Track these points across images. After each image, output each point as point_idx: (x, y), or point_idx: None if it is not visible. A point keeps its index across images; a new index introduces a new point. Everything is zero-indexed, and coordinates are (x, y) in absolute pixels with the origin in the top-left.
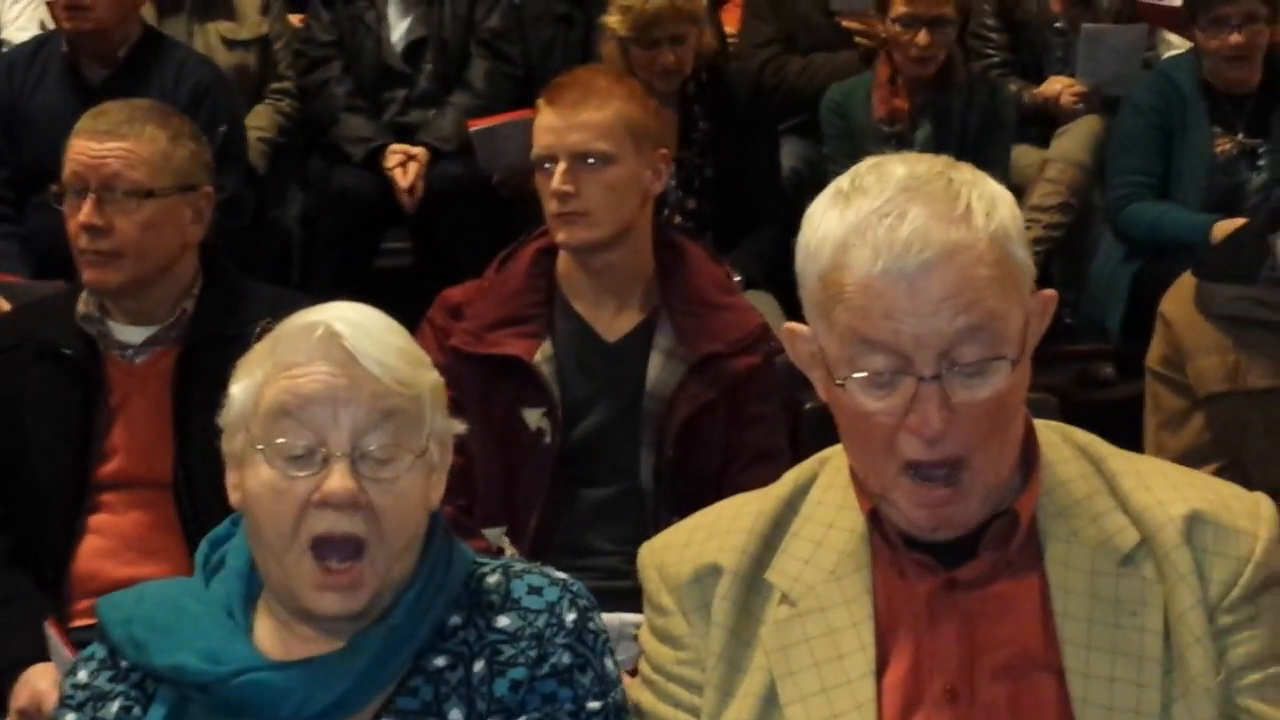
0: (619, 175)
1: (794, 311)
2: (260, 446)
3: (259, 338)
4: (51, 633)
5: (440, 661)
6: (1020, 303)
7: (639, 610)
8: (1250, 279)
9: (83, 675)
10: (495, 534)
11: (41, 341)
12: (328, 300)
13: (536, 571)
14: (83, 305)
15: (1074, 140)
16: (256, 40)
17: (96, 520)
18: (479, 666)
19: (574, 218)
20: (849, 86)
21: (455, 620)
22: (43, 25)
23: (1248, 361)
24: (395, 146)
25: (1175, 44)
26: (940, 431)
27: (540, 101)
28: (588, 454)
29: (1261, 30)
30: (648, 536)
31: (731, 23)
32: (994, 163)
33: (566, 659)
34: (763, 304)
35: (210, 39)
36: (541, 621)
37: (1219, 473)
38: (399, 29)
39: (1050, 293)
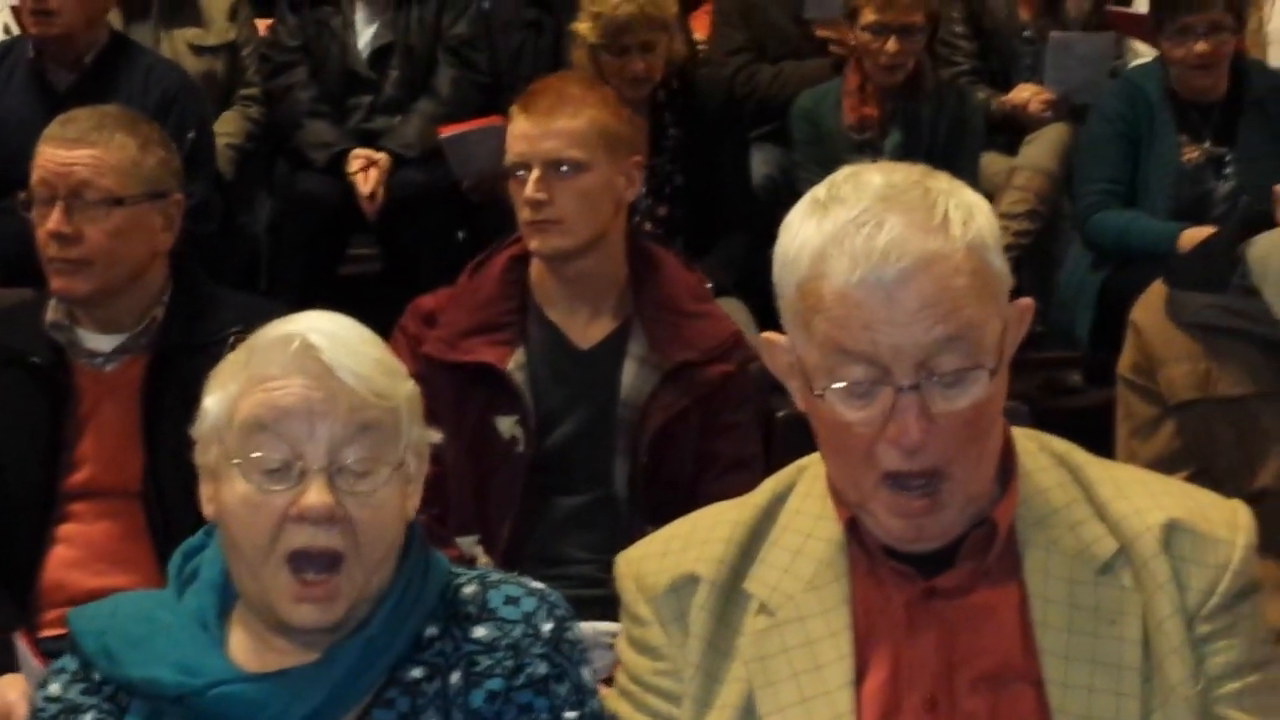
0: (592, 183)
1: (764, 318)
2: (236, 460)
3: (232, 348)
4: (21, 644)
5: (417, 673)
6: (998, 312)
7: (613, 619)
8: (1221, 288)
9: (55, 688)
10: (468, 542)
11: (9, 350)
12: (296, 306)
13: (513, 582)
14: (51, 313)
15: (1042, 148)
16: (224, 46)
17: (65, 530)
18: (455, 678)
19: (547, 225)
20: (819, 93)
21: (432, 631)
22: (8, 30)
23: (1218, 370)
24: (357, 151)
25: (1142, 52)
26: (919, 442)
27: (513, 109)
28: (561, 462)
29: (1227, 39)
30: (621, 545)
31: (701, 29)
32: (963, 170)
33: (543, 669)
34: (733, 311)
35: (177, 45)
36: (518, 632)
37: (1190, 480)
38: (365, 35)
39: (1027, 301)
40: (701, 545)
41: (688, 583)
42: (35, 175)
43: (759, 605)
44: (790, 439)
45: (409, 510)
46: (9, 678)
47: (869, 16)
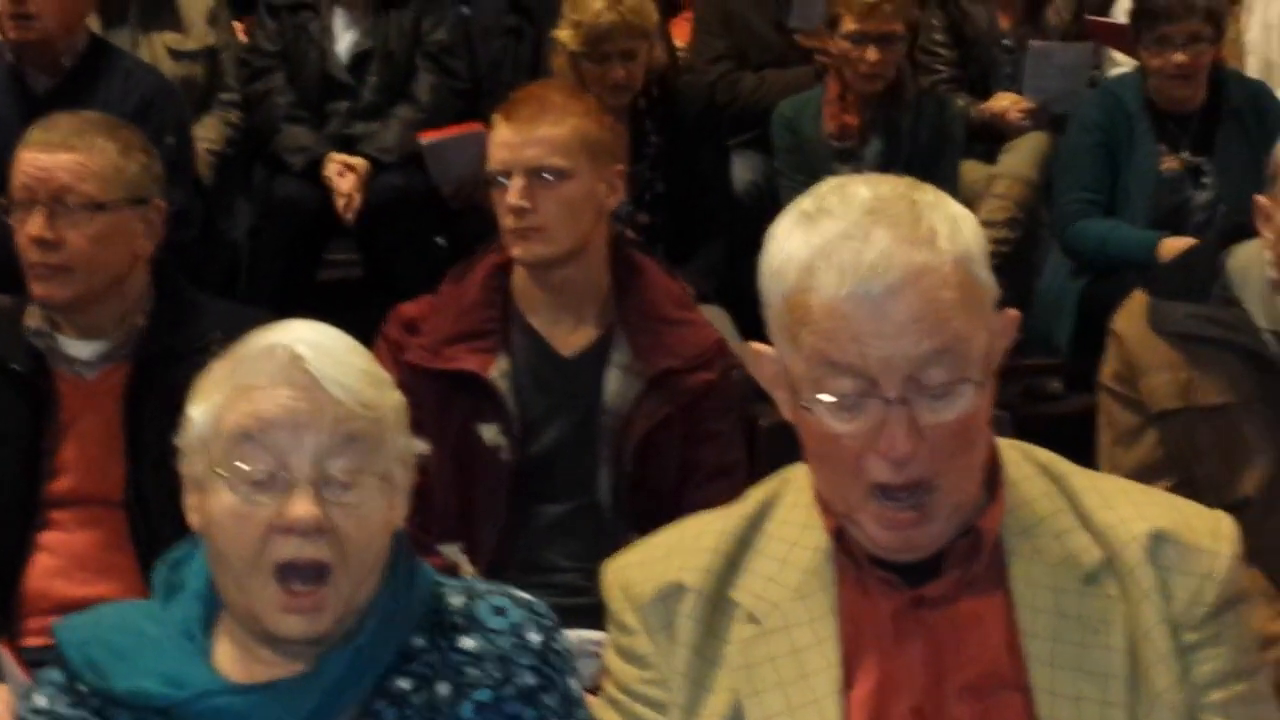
0: (575, 191)
1: (745, 325)
2: (221, 471)
3: (214, 355)
4: (3, 653)
5: (404, 684)
6: (984, 324)
7: (597, 627)
8: (1202, 297)
9: (41, 701)
10: (452, 550)
11: None
12: (275, 311)
13: (500, 592)
14: (31, 319)
15: (1021, 156)
16: (203, 51)
17: (47, 538)
18: (443, 688)
19: (530, 233)
20: (799, 102)
21: (419, 642)
22: None
23: (1200, 379)
24: (334, 156)
25: (1121, 62)
26: (908, 454)
27: (496, 117)
28: (545, 470)
29: (1205, 50)
30: (605, 553)
31: (681, 36)
32: (943, 178)
33: (531, 680)
34: (714, 318)
35: (156, 50)
36: (506, 643)
37: (1172, 489)
38: (344, 40)
39: (1013, 313)
40: (688, 554)
41: (674, 591)
42: (16, 180)
43: (746, 614)
44: (773, 447)
45: (395, 521)
46: None
47: (849, 25)
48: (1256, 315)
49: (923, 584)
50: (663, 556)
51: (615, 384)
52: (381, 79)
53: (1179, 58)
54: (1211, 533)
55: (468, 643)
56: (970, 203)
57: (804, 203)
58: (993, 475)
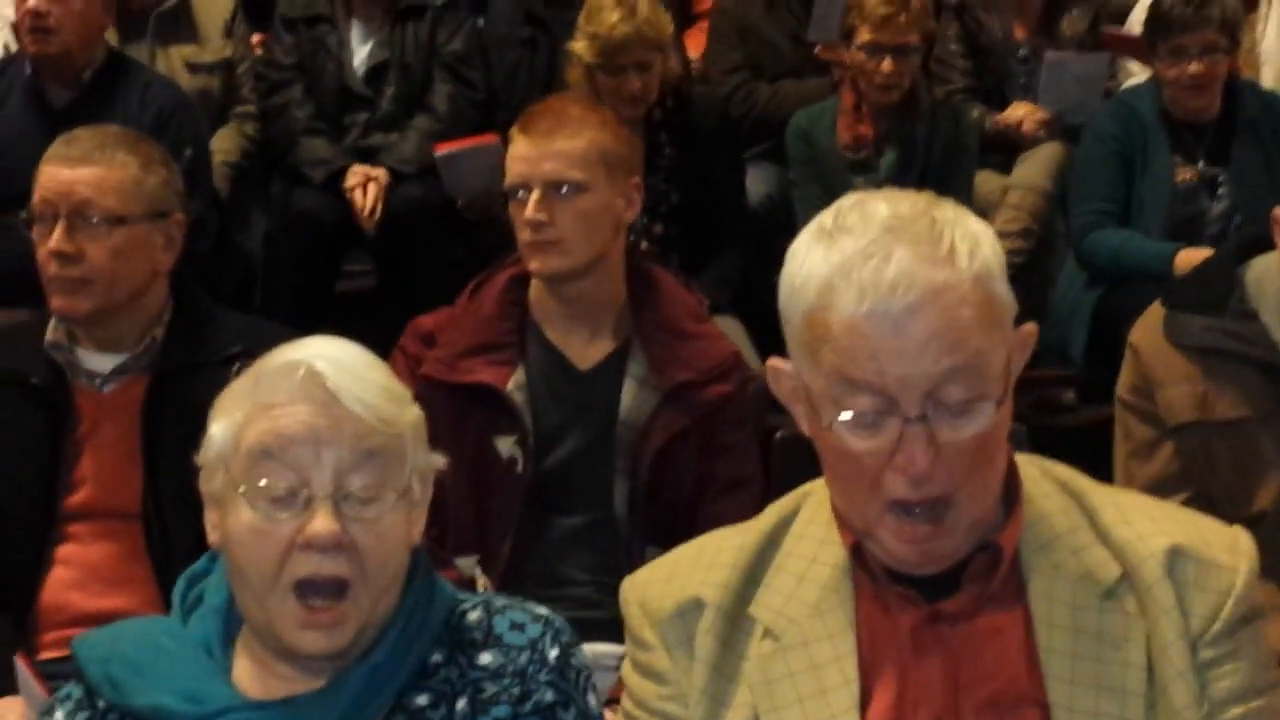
0: (592, 204)
1: (760, 337)
2: (241, 488)
3: (237, 374)
4: (21, 666)
5: (422, 700)
6: (1003, 341)
7: (612, 640)
8: (1219, 310)
9: (59, 716)
10: (467, 563)
11: (8, 370)
12: (291, 323)
13: (518, 607)
14: (51, 333)
15: (1036, 167)
16: (220, 64)
17: (64, 551)
18: (462, 704)
19: (547, 246)
20: (814, 113)
21: (437, 658)
22: (7, 48)
23: (1216, 392)
24: (355, 168)
25: (1136, 73)
26: (927, 471)
27: (513, 130)
28: (560, 483)
29: (1220, 60)
30: (620, 566)
31: (695, 47)
32: (958, 188)
33: (550, 696)
34: (729, 329)
35: (173, 63)
36: (524, 658)
37: (1188, 503)
38: (361, 52)
39: (1031, 327)
40: (706, 570)
41: (693, 607)
42: (37, 194)
43: (764, 630)
44: (789, 459)
45: (414, 536)
46: (8, 700)
47: (865, 36)
48: (1273, 329)
49: (941, 599)
50: (681, 573)
51: (631, 397)
52: (399, 90)
53: (1194, 68)
54: (1229, 548)
55: (486, 658)
56: (985, 213)
57: (823, 219)
58: (1011, 491)
